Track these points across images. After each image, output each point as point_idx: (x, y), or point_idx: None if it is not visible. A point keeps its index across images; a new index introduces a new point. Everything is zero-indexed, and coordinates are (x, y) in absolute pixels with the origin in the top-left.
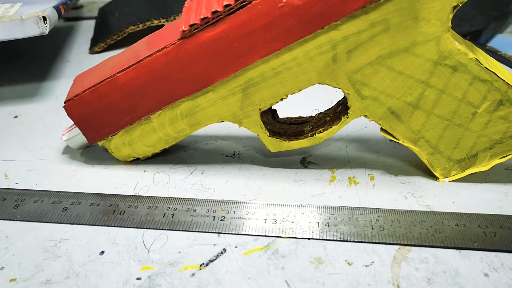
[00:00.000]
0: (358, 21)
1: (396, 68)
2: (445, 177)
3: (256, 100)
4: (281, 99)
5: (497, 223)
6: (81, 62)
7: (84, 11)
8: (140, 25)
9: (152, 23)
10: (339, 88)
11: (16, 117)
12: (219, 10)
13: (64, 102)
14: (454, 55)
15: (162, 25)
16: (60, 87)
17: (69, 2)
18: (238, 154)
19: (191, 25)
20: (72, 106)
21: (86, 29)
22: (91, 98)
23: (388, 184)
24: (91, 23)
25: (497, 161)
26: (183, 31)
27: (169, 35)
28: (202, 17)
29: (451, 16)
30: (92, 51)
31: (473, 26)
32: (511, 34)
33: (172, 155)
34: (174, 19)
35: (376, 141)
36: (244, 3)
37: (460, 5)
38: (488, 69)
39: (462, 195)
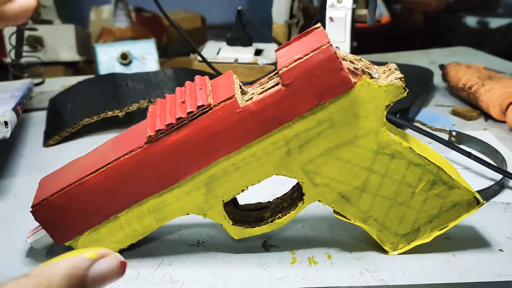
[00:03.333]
0: (307, 120)
1: (343, 158)
2: (394, 250)
3: (219, 193)
4: (242, 190)
5: None
6: (36, 157)
7: (34, 102)
8: (95, 117)
9: (107, 114)
10: (294, 178)
11: None
12: (182, 116)
13: (32, 207)
14: (391, 144)
15: (116, 116)
16: (17, 185)
17: (24, 100)
18: (203, 242)
19: (157, 130)
20: (40, 211)
21: (37, 121)
22: (59, 201)
23: (345, 261)
24: (42, 115)
25: (437, 232)
26: (150, 135)
27: (135, 138)
28: (167, 123)
29: (385, 113)
30: (46, 144)
31: (402, 104)
32: (434, 107)
33: (139, 248)
34: (128, 109)
35: (329, 219)
36: (206, 109)
37: (392, 104)
38: (420, 155)
39: (410, 266)
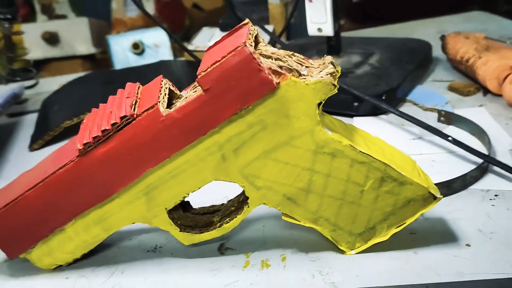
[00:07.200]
0: (236, 124)
1: (281, 159)
2: (351, 250)
3: (160, 201)
4: (184, 198)
5: None
6: (21, 162)
7: (28, 104)
8: (75, 119)
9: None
10: (234, 182)
11: None
12: (107, 128)
13: None
14: (329, 143)
15: None
16: None
17: (4, 107)
18: (160, 247)
19: (84, 144)
20: None
21: (28, 124)
22: (5, 216)
23: (299, 263)
24: (35, 117)
25: (394, 230)
26: (79, 149)
27: (71, 150)
28: (94, 135)
29: (317, 111)
30: (32, 148)
31: (388, 84)
32: (432, 82)
33: (96, 255)
34: None
35: None
36: (129, 120)
37: (323, 101)
38: (363, 152)
39: (366, 267)
